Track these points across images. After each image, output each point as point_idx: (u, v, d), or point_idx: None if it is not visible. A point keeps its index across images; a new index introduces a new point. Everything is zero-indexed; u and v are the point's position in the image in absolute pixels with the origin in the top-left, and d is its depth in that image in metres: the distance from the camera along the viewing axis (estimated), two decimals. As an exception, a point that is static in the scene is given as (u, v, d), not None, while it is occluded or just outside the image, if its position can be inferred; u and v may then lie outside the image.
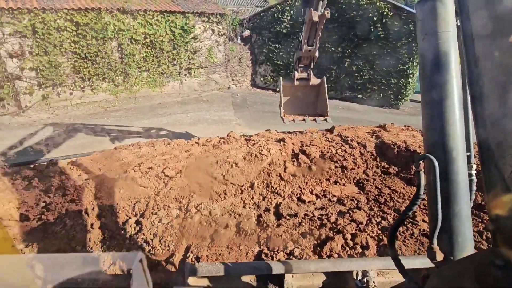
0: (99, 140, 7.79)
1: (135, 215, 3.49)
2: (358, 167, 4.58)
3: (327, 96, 5.52)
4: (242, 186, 4.17)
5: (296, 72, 5.53)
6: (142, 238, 3.12)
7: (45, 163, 4.17)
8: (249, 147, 4.87)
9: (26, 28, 9.26)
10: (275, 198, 3.98)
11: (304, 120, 5.34)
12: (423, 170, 1.25)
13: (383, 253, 2.90)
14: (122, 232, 3.28)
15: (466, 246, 1.18)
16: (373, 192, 4.07)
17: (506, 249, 0.71)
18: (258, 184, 4.20)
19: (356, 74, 13.11)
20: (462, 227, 1.18)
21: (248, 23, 15.02)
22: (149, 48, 11.84)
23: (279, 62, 14.48)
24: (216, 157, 4.37)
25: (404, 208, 1.39)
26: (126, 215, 3.49)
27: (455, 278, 0.89)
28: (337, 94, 13.71)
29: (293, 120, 5.29)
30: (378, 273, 2.07)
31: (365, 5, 11.97)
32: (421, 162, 1.25)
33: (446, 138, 1.19)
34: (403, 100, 12.89)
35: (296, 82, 5.61)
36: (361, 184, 4.31)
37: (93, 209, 3.40)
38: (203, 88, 14.09)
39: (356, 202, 3.83)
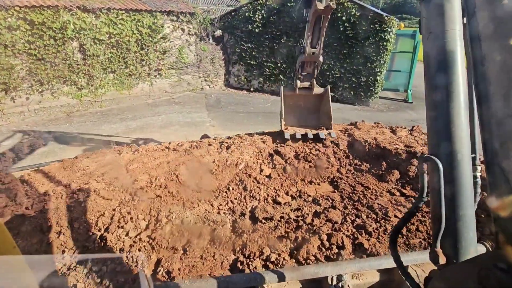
0: (61, 147, 7.24)
1: (99, 230, 3.22)
2: (332, 166, 4.61)
3: (331, 107, 5.31)
4: (217, 192, 4.03)
5: (298, 81, 5.31)
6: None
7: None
8: (223, 151, 4.74)
9: (-29, 27, 8.39)
10: (250, 202, 3.88)
11: (306, 134, 5.07)
12: (426, 172, 1.22)
13: (359, 252, 2.91)
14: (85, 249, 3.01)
15: (470, 249, 1.16)
16: (347, 190, 4.11)
17: (509, 252, 0.70)
18: (232, 189, 4.08)
19: (328, 73, 13.40)
20: (466, 230, 1.16)
21: (219, 23, 14.79)
22: (115, 48, 11.23)
23: (252, 62, 14.41)
24: (189, 164, 4.18)
25: (407, 211, 1.40)
26: (88, 230, 3.21)
27: (458, 280, 0.88)
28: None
29: (294, 134, 5.04)
30: (353, 276, 2.05)
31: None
32: (424, 164, 1.23)
33: (450, 139, 1.15)
34: (372, 97, 13.42)
35: (298, 91, 5.39)
36: (335, 183, 4.34)
37: (50, 226, 3.08)
38: (174, 90, 13.66)
39: (331, 201, 3.84)
